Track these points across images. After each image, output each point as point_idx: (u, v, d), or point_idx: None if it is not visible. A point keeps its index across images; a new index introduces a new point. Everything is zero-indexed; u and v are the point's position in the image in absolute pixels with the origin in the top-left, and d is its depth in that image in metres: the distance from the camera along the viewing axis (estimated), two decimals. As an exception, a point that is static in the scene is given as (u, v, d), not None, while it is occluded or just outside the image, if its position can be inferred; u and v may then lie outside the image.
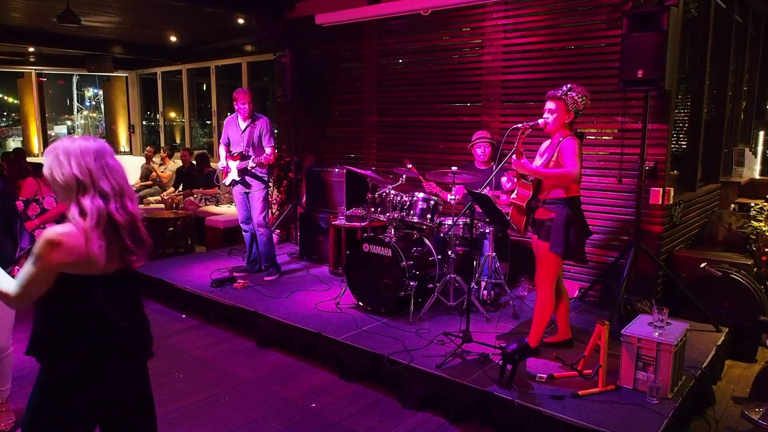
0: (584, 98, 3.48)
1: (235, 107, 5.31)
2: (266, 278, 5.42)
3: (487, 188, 4.11)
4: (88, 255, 1.82)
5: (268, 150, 5.29)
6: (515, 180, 3.80)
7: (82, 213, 1.83)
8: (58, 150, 1.88)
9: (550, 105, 3.52)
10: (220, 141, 5.61)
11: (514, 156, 3.53)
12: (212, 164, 8.58)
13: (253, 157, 5.21)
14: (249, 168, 5.24)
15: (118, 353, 1.98)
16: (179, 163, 8.82)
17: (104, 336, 1.94)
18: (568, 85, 3.50)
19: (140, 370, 2.08)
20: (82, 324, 1.92)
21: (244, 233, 5.69)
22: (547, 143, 3.69)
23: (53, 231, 1.81)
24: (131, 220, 1.92)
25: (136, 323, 2.03)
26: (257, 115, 5.39)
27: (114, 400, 2.01)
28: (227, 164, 5.41)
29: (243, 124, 5.35)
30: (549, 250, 3.50)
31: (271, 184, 6.47)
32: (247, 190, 5.41)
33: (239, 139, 5.36)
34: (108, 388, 1.97)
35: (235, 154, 5.34)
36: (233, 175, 5.38)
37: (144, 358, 2.07)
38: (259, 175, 5.34)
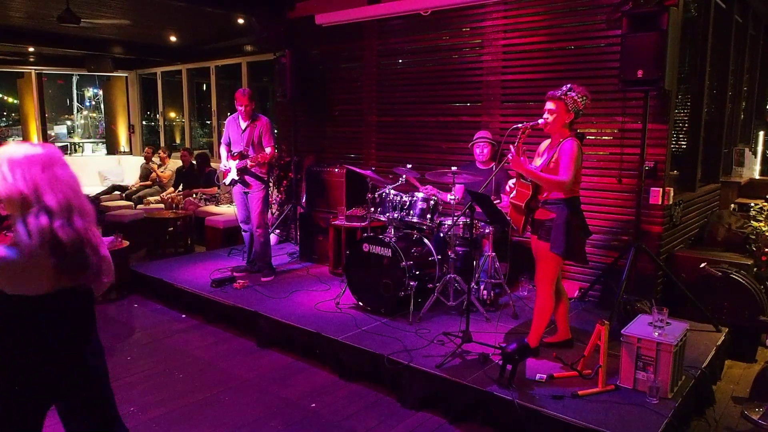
0: (584, 98, 3.48)
1: (236, 108, 5.32)
2: (263, 279, 5.41)
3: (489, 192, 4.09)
4: (28, 276, 1.76)
5: (267, 150, 5.30)
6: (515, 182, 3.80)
7: (28, 233, 1.72)
8: (3, 160, 1.77)
9: (549, 105, 3.52)
10: (222, 141, 5.62)
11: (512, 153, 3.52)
12: (212, 164, 8.59)
13: (251, 155, 5.22)
14: (247, 167, 5.25)
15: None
16: (179, 163, 8.82)
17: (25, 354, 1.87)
18: (568, 85, 3.50)
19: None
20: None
21: (243, 233, 5.69)
22: (546, 143, 3.69)
23: None
24: (77, 238, 1.79)
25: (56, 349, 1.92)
26: (257, 115, 5.40)
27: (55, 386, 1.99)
28: (228, 164, 5.42)
29: (243, 124, 5.37)
30: (549, 250, 3.50)
31: (271, 184, 6.48)
32: (246, 190, 5.41)
33: (239, 138, 5.37)
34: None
35: (235, 154, 5.35)
36: (233, 174, 5.38)
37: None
38: (259, 174, 5.34)
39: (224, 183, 5.63)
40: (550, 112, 3.50)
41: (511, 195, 3.70)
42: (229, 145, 5.48)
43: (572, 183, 3.42)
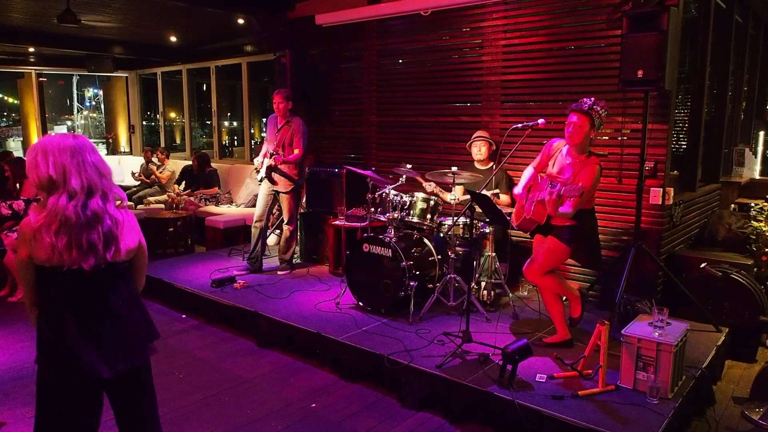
0: (606, 113, 3.47)
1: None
2: (279, 273, 5.68)
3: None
4: (39, 248, 1.89)
5: (295, 151, 5.45)
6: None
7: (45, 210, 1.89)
8: (37, 150, 1.93)
9: (574, 119, 3.45)
10: (266, 138, 5.82)
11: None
12: (213, 164, 8.60)
13: (275, 156, 5.39)
14: (273, 165, 5.43)
15: (70, 367, 1.95)
16: (179, 163, 8.81)
17: (61, 346, 1.94)
18: (592, 99, 3.44)
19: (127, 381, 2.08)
20: (47, 323, 1.97)
21: (253, 229, 5.75)
22: (561, 146, 3.64)
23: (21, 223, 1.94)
24: (90, 218, 1.93)
25: (99, 337, 1.99)
26: (293, 116, 5.55)
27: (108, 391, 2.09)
28: (262, 161, 5.58)
29: (279, 124, 5.55)
30: (570, 256, 3.51)
31: None
32: (275, 189, 5.56)
33: (274, 138, 5.55)
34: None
35: (269, 153, 5.50)
36: (262, 172, 5.55)
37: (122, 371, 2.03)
38: (288, 174, 5.50)
39: (255, 178, 5.82)
40: (576, 126, 3.44)
41: (528, 212, 3.66)
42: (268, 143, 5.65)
43: (588, 198, 3.42)
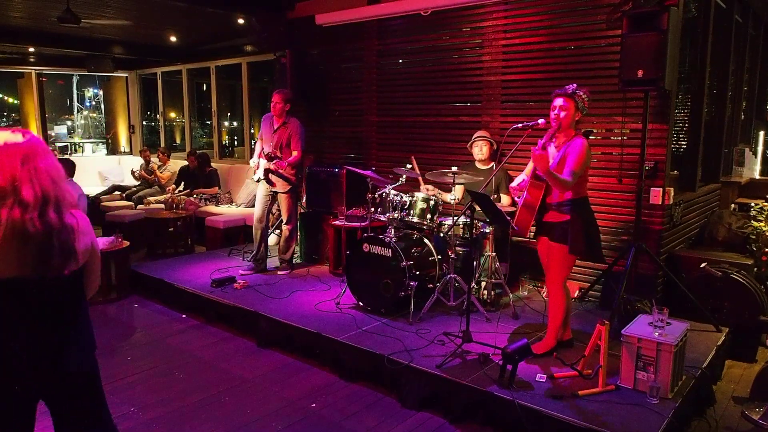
0: (588, 99, 3.48)
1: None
2: (279, 272, 5.67)
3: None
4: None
5: (294, 153, 5.42)
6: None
7: None
8: None
9: (559, 102, 3.46)
10: (258, 136, 5.76)
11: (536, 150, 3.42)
12: (213, 164, 8.60)
13: (275, 160, 5.35)
14: (272, 169, 5.41)
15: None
16: (179, 163, 8.82)
17: None
18: (574, 85, 3.48)
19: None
20: None
21: (255, 230, 5.73)
22: (547, 147, 3.65)
23: None
24: (46, 230, 1.80)
25: (29, 345, 1.87)
26: (290, 117, 5.51)
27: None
28: (258, 162, 5.55)
29: (276, 125, 5.50)
30: (568, 252, 3.49)
31: None
32: (273, 189, 5.54)
33: (270, 138, 5.50)
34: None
35: (265, 154, 5.46)
36: (260, 172, 5.52)
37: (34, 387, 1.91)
38: (285, 175, 5.47)
39: (252, 179, 5.72)
40: (562, 108, 3.45)
41: (521, 195, 3.66)
42: (262, 142, 5.61)
43: (578, 182, 3.41)
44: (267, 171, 5.45)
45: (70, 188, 1.95)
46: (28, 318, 1.87)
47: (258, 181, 5.60)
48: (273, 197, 5.64)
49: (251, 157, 5.89)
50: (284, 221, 5.69)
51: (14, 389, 1.88)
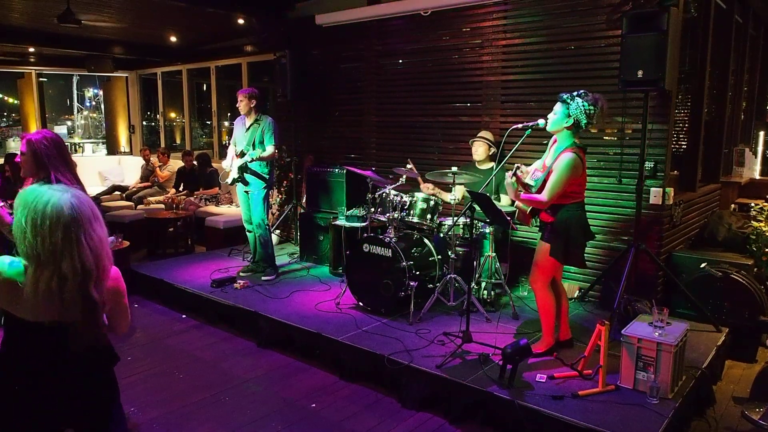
0: (592, 108, 3.39)
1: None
2: (264, 278, 5.44)
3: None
4: (22, 303, 1.77)
5: (269, 148, 5.30)
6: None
7: (36, 288, 1.73)
8: (29, 210, 1.71)
9: (556, 105, 3.51)
10: (230, 142, 5.67)
11: (510, 175, 3.48)
12: (213, 164, 8.60)
13: (250, 151, 5.25)
14: (247, 163, 5.27)
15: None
16: (179, 163, 8.82)
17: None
18: (581, 91, 3.45)
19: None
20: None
21: (247, 233, 5.70)
22: (552, 139, 3.66)
23: None
24: (83, 306, 1.77)
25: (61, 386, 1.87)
26: (261, 115, 5.43)
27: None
28: (231, 163, 5.46)
29: (248, 123, 5.41)
30: (549, 254, 3.51)
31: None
32: (247, 189, 5.42)
33: (242, 138, 5.41)
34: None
35: (237, 153, 5.38)
36: (233, 173, 5.41)
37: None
38: (259, 173, 5.35)
39: (226, 182, 5.65)
40: (554, 112, 3.49)
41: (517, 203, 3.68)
42: (235, 145, 5.52)
43: (570, 191, 3.42)
44: (241, 169, 5.32)
45: (109, 256, 1.88)
46: (60, 361, 1.86)
47: (232, 183, 5.49)
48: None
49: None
50: (255, 225, 5.46)
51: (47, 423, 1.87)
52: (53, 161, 2.97)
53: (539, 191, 3.47)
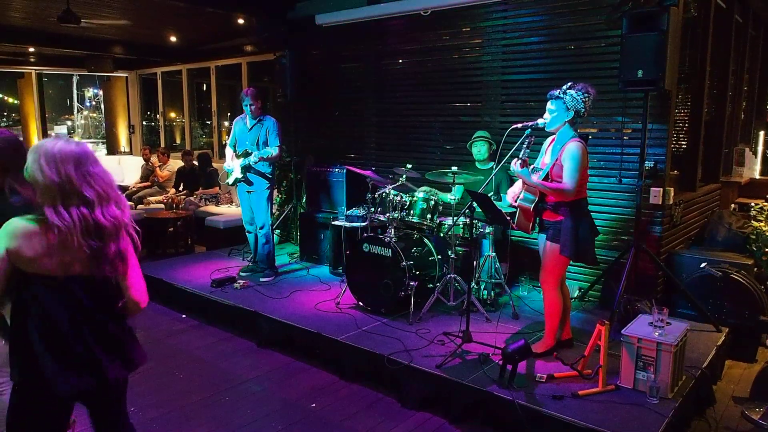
0: (586, 95, 3.43)
1: (243, 107, 5.35)
2: (262, 279, 5.42)
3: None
4: (48, 255, 1.85)
5: (274, 149, 5.27)
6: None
7: (71, 220, 1.85)
8: (40, 153, 1.89)
9: (549, 105, 3.53)
10: (227, 143, 5.64)
11: (518, 164, 3.51)
12: (214, 164, 8.60)
13: (256, 152, 5.22)
14: (252, 163, 5.25)
15: (65, 368, 1.92)
16: (179, 163, 8.82)
17: (50, 347, 1.90)
18: (569, 83, 3.49)
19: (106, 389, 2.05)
20: (32, 329, 1.91)
21: (247, 234, 5.69)
22: (549, 140, 3.67)
23: (16, 222, 1.86)
24: (116, 224, 1.94)
25: (95, 340, 1.97)
26: (264, 115, 5.41)
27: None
28: (232, 164, 5.42)
29: (249, 123, 5.39)
30: (559, 253, 3.50)
31: None
32: (250, 189, 5.41)
33: (245, 138, 5.39)
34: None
35: (239, 153, 5.36)
36: (236, 173, 5.39)
37: (110, 378, 2.01)
38: (263, 173, 5.34)
39: (227, 183, 5.64)
40: (550, 111, 3.51)
41: (518, 199, 3.67)
42: (234, 146, 5.49)
43: (578, 187, 3.42)
44: (245, 169, 5.30)
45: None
46: (90, 314, 1.97)
47: (234, 183, 5.47)
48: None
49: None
50: (259, 225, 5.44)
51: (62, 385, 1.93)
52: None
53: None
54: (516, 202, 3.68)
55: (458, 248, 4.60)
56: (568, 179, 3.39)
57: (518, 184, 3.75)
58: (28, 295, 1.89)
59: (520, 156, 3.51)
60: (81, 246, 1.86)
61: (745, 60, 6.31)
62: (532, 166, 3.61)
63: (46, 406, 1.95)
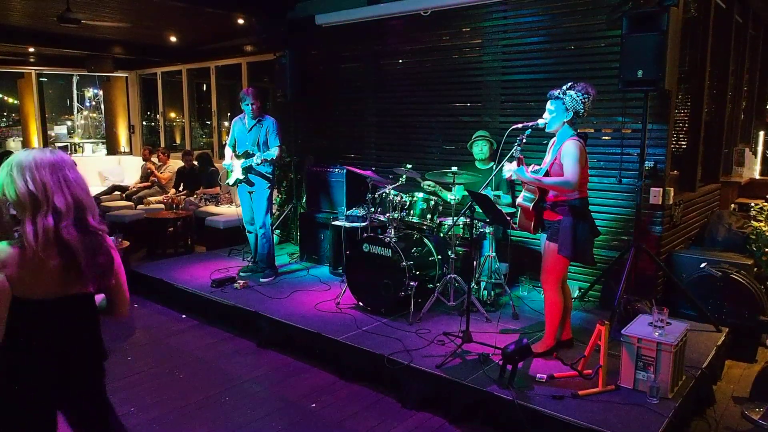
0: (586, 96, 3.44)
1: (243, 107, 5.33)
2: (262, 279, 5.41)
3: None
4: (35, 279, 1.79)
5: (274, 149, 5.27)
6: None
7: (35, 232, 1.75)
8: (13, 165, 1.81)
9: (548, 105, 3.54)
10: (226, 143, 5.62)
11: (514, 164, 3.52)
12: (214, 164, 8.60)
13: (258, 153, 5.21)
14: (254, 165, 5.24)
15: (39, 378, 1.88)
16: (179, 163, 8.82)
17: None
18: (569, 83, 3.50)
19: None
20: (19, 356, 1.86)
21: (248, 234, 5.68)
22: (552, 140, 3.67)
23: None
24: (86, 238, 1.84)
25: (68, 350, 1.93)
26: (263, 114, 5.40)
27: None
28: (232, 164, 5.41)
29: (249, 124, 5.37)
30: (557, 252, 3.50)
31: None
32: (251, 189, 5.41)
33: (245, 138, 5.37)
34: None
35: (240, 153, 5.35)
36: (237, 173, 5.38)
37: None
38: (264, 173, 5.33)
39: (227, 183, 5.63)
40: (549, 112, 3.52)
41: (519, 199, 3.68)
42: (233, 146, 5.48)
43: (578, 183, 3.42)
44: (246, 170, 5.28)
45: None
46: (56, 336, 1.90)
47: (235, 184, 5.46)
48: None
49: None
50: (259, 225, 5.42)
51: (44, 397, 1.90)
52: None
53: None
54: (518, 202, 3.69)
55: (458, 248, 4.60)
56: (569, 173, 3.39)
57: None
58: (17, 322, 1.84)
59: (513, 154, 3.52)
60: (45, 261, 1.77)
61: (745, 60, 6.31)
62: (532, 166, 3.61)
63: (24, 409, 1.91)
